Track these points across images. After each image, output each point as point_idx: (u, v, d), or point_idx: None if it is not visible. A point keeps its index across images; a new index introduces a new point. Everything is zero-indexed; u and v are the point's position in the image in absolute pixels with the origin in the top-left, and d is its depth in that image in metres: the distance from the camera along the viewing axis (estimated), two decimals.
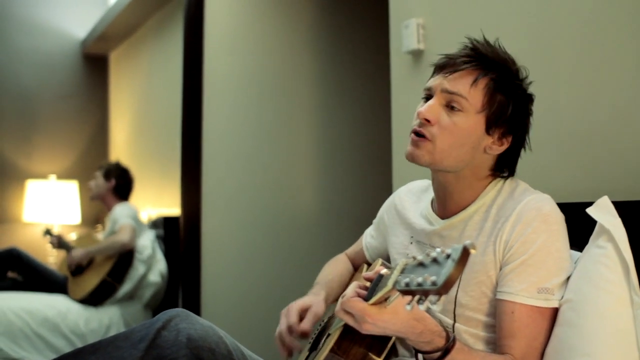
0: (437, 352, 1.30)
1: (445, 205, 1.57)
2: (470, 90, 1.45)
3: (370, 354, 1.39)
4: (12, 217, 5.41)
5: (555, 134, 1.94)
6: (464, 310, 1.48)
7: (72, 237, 4.65)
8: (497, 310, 1.43)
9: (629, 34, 1.74)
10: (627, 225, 1.42)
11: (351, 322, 1.29)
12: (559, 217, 1.45)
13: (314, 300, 1.71)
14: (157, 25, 5.10)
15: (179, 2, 4.29)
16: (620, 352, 1.33)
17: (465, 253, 0.98)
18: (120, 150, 5.73)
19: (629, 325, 1.34)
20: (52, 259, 5.10)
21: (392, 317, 1.25)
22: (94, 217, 5.51)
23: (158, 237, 4.21)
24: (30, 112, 5.53)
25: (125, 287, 3.93)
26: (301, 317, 1.67)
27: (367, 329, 1.27)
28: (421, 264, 1.08)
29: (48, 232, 4.39)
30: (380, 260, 1.68)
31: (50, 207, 5.30)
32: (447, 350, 1.29)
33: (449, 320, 1.48)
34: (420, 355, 1.34)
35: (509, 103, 1.48)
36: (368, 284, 1.31)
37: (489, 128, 1.48)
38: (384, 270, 1.23)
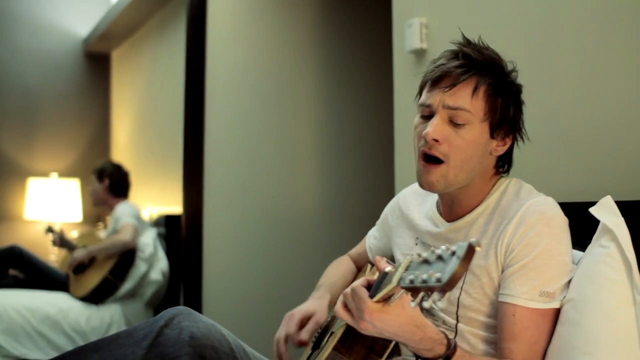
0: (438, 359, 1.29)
1: (452, 208, 1.57)
2: (472, 101, 1.44)
3: (372, 354, 1.39)
4: (13, 215, 5.41)
5: (558, 134, 1.94)
6: (466, 312, 1.48)
7: (73, 235, 4.65)
8: (498, 312, 1.43)
9: (632, 34, 1.74)
10: (630, 224, 1.42)
11: (349, 320, 1.28)
12: (562, 221, 1.44)
13: (318, 307, 1.71)
14: (160, 24, 5.10)
15: (181, 0, 4.28)
16: (622, 351, 1.33)
17: (470, 250, 0.98)
18: (122, 148, 5.73)
19: (631, 324, 1.34)
20: (53, 256, 5.10)
21: (391, 318, 1.23)
22: (95, 215, 5.51)
23: (160, 235, 4.21)
24: (32, 110, 5.53)
25: (127, 285, 3.94)
26: (302, 324, 1.67)
27: (365, 327, 1.25)
28: (426, 261, 1.07)
29: (50, 229, 4.39)
30: (384, 259, 1.68)
31: (51, 205, 5.30)
32: (447, 357, 1.28)
33: (451, 320, 1.48)
34: None
35: (508, 104, 1.48)
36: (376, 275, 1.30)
37: (493, 132, 1.48)
38: (388, 268, 1.22)
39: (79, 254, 3.96)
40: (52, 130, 5.60)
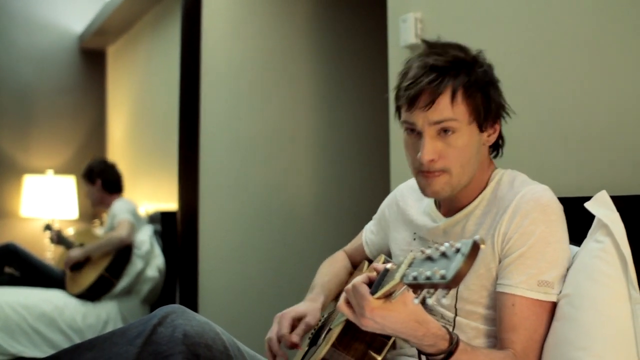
0: (440, 355, 1.28)
1: (450, 203, 1.57)
2: (453, 109, 1.43)
3: (370, 351, 1.39)
4: (9, 212, 5.40)
5: (553, 129, 1.93)
6: (464, 304, 1.47)
7: (70, 232, 4.65)
8: (497, 303, 1.43)
9: (628, 30, 1.74)
10: (625, 219, 1.41)
11: (351, 317, 1.28)
12: (557, 207, 1.44)
13: (309, 309, 1.70)
14: (155, 20, 5.09)
15: None
16: (617, 346, 1.33)
17: (475, 247, 0.98)
18: (117, 145, 5.72)
19: (626, 319, 1.34)
20: (49, 254, 5.09)
21: (393, 314, 1.22)
22: (91, 212, 5.50)
23: (155, 232, 4.20)
24: (28, 107, 5.52)
25: (123, 283, 3.93)
26: (294, 325, 1.66)
27: (366, 324, 1.25)
28: (429, 258, 1.06)
29: (48, 227, 4.39)
30: (383, 257, 1.68)
31: (47, 202, 5.29)
32: (450, 352, 1.28)
33: (450, 314, 1.48)
34: (423, 357, 1.33)
35: (488, 95, 1.47)
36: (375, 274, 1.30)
37: (481, 127, 1.48)
38: (390, 265, 1.22)
39: (75, 252, 3.96)
40: (48, 127, 5.59)
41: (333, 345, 1.40)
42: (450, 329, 1.45)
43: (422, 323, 1.25)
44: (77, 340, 3.60)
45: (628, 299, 1.35)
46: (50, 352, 3.49)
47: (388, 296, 1.21)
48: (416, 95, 1.44)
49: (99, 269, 3.88)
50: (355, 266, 1.94)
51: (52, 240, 4.32)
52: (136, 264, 3.97)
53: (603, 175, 1.78)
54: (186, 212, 3.82)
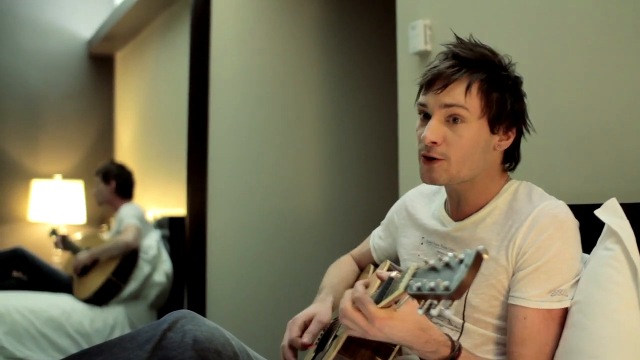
0: None
1: (459, 208, 1.56)
2: (466, 99, 1.44)
3: (377, 357, 1.39)
4: (17, 217, 5.42)
5: (563, 136, 1.93)
6: (473, 312, 1.47)
7: (77, 237, 4.66)
8: (508, 314, 1.43)
9: (637, 36, 1.74)
10: (635, 227, 1.41)
11: (356, 330, 1.28)
12: (574, 224, 1.44)
13: (320, 308, 1.71)
14: (164, 25, 5.11)
15: (185, 1, 4.29)
16: (628, 354, 1.32)
17: (478, 258, 0.98)
18: (125, 150, 5.73)
19: (636, 327, 1.34)
20: (56, 258, 5.10)
21: (399, 324, 1.24)
22: (99, 217, 5.52)
23: (163, 237, 4.21)
24: (36, 112, 5.54)
25: (130, 287, 3.94)
26: (306, 327, 1.67)
27: (374, 334, 1.26)
28: (433, 269, 1.07)
29: (54, 232, 4.40)
30: (388, 262, 1.68)
31: (55, 207, 5.31)
32: (453, 359, 1.29)
33: (458, 320, 1.48)
34: None
35: (505, 98, 1.47)
36: (378, 282, 1.30)
37: (493, 128, 1.47)
38: (394, 274, 1.22)
39: (82, 256, 3.97)
40: (56, 132, 5.61)
41: (339, 352, 1.40)
42: (458, 335, 1.45)
43: (425, 330, 1.27)
44: (85, 345, 3.61)
45: (638, 307, 1.35)
46: (57, 356, 3.50)
47: (393, 304, 1.22)
48: (433, 78, 1.47)
49: (106, 273, 3.89)
50: (362, 270, 1.95)
51: (57, 245, 4.33)
52: (143, 269, 3.97)
53: (613, 183, 1.77)
54: (194, 217, 3.83)
